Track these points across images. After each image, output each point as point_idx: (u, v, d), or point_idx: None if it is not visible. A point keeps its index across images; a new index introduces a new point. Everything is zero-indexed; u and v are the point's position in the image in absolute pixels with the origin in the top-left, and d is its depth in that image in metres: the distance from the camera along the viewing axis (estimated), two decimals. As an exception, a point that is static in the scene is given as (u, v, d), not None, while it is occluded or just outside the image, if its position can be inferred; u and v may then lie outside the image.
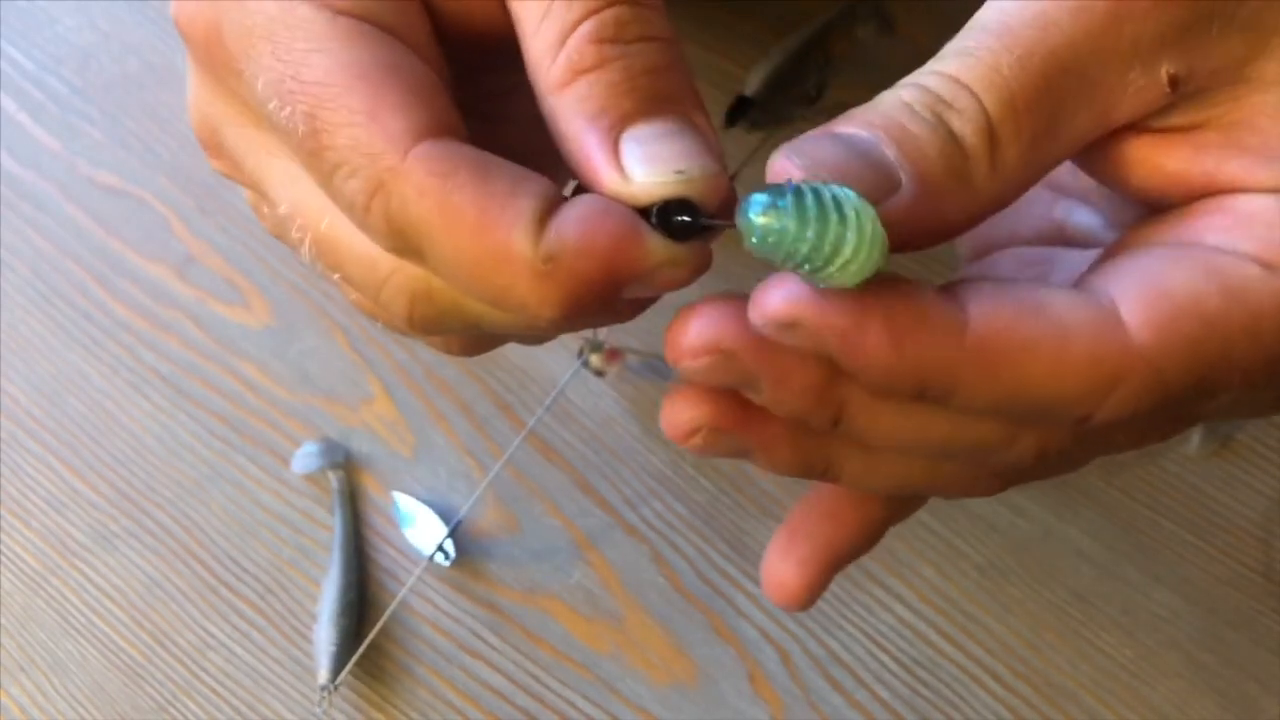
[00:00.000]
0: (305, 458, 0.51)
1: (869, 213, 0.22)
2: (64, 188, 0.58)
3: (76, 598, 0.49)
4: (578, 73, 0.25)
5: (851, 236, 0.22)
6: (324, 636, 0.47)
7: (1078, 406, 0.24)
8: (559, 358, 0.52)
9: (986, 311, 0.23)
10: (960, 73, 0.24)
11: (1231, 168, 0.25)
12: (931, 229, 0.24)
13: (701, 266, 0.25)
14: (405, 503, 0.50)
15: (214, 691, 0.47)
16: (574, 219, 0.23)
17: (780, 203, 0.22)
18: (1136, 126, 0.25)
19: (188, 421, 0.52)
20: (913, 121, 0.24)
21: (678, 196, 0.24)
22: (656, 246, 0.24)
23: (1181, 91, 0.25)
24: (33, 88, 0.60)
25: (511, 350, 0.49)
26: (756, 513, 0.49)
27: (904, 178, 0.23)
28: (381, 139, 0.24)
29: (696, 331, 0.24)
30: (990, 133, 0.24)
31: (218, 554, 0.50)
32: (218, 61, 0.26)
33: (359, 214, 0.24)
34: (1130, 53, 0.24)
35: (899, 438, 0.25)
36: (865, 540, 0.29)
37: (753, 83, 0.55)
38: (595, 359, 0.50)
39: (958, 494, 0.28)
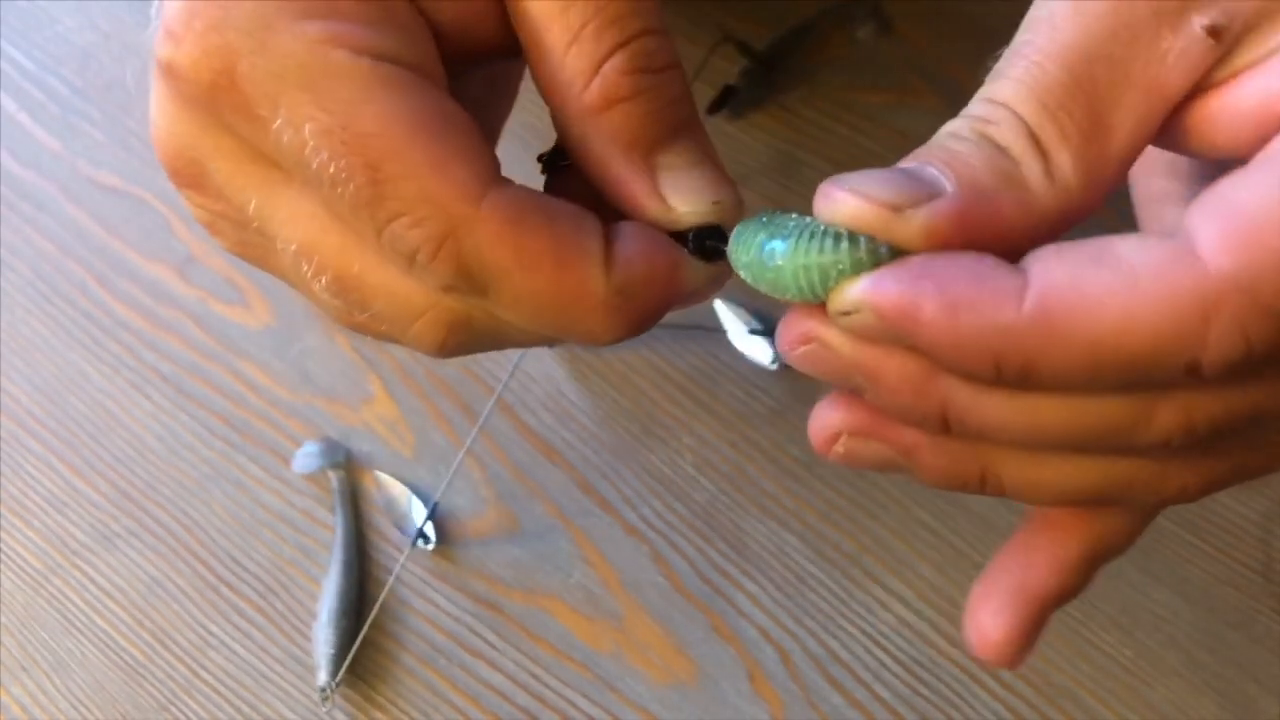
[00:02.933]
0: (306, 457, 0.51)
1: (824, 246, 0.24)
2: (64, 188, 0.58)
3: (77, 597, 0.49)
4: (612, 101, 0.26)
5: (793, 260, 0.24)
6: (323, 638, 0.47)
7: (1175, 354, 0.21)
8: (559, 357, 0.53)
9: (1043, 271, 0.22)
10: (993, 93, 0.25)
11: None
12: (997, 232, 0.23)
13: (723, 283, 0.27)
14: (388, 484, 0.50)
15: (215, 690, 0.48)
16: (639, 257, 0.26)
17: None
18: (1203, 87, 0.24)
19: (188, 421, 0.53)
20: (956, 142, 0.24)
21: (711, 224, 0.27)
22: (699, 272, 0.27)
23: (1226, 38, 0.24)
24: (33, 88, 0.60)
25: (512, 350, 0.49)
26: (756, 513, 0.49)
27: (948, 185, 0.23)
28: (452, 191, 0.25)
29: (796, 320, 0.25)
30: (1034, 137, 0.24)
31: (218, 553, 0.50)
32: (224, 104, 0.26)
33: (424, 260, 0.25)
34: (1153, 20, 0.23)
35: (1017, 431, 0.24)
36: (1068, 577, 0.28)
37: (739, 73, 0.56)
38: None
39: (1150, 498, 0.26)
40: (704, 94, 0.56)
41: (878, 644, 0.47)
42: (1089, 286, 0.21)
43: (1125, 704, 0.46)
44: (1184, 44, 0.24)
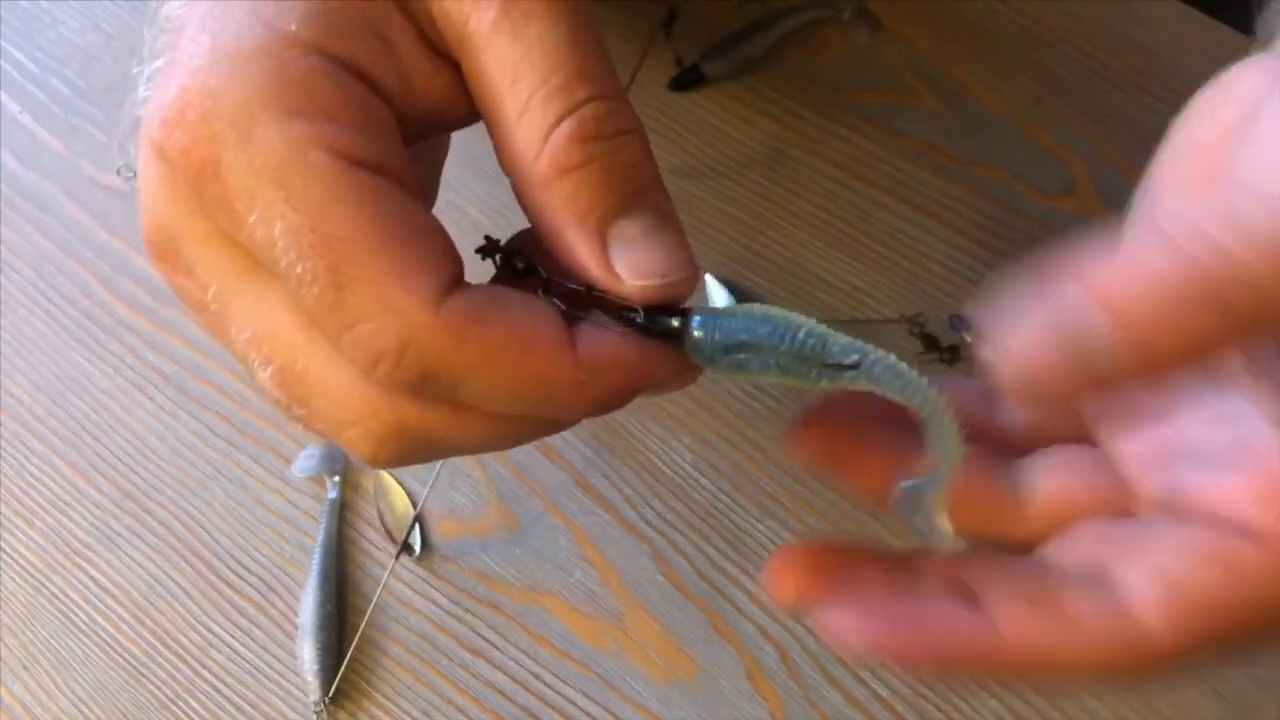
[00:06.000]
0: (306, 460, 0.51)
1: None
2: (67, 188, 0.58)
3: (79, 596, 0.50)
4: (563, 171, 0.26)
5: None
6: (306, 654, 0.47)
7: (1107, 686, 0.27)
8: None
9: (999, 609, 0.27)
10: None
11: None
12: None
13: (692, 378, 0.28)
14: (388, 487, 0.50)
15: (216, 690, 0.48)
16: (602, 337, 0.27)
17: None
18: None
19: (190, 421, 0.53)
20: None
21: (660, 299, 0.27)
22: (667, 362, 0.27)
23: None
24: (36, 89, 0.61)
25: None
26: (756, 512, 0.50)
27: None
28: (414, 299, 0.25)
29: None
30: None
31: (220, 553, 0.50)
32: (207, 193, 0.26)
33: (386, 368, 0.25)
34: None
35: None
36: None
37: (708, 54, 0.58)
38: None
39: None
40: (663, 70, 0.57)
41: (877, 643, 0.47)
42: (1050, 644, 0.26)
43: (1124, 704, 0.46)
44: None
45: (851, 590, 0.27)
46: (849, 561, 0.28)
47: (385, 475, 0.51)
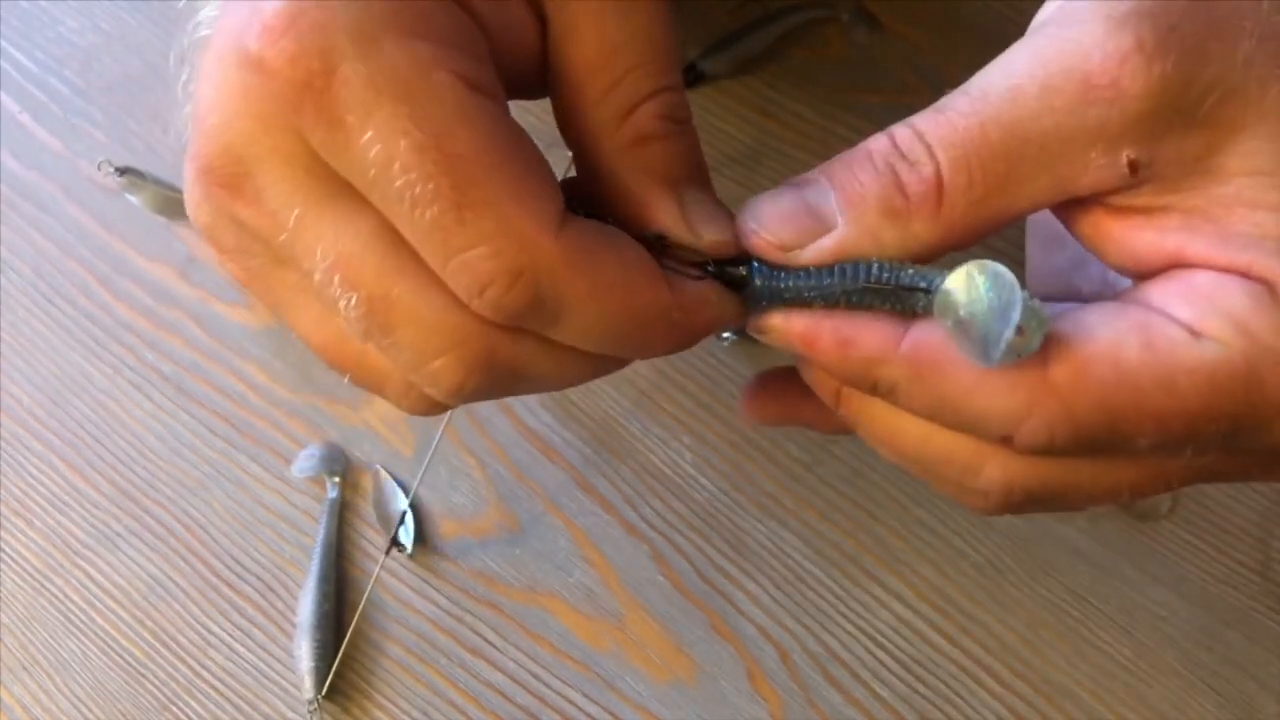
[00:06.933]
0: (306, 460, 0.51)
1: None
2: (66, 188, 0.58)
3: (79, 596, 0.50)
4: (646, 140, 0.29)
5: None
6: (302, 652, 0.47)
7: (996, 425, 0.27)
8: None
9: (923, 331, 0.28)
10: (927, 129, 0.28)
11: (1191, 249, 0.28)
12: (869, 252, 0.28)
13: (747, 315, 0.30)
14: (385, 484, 0.50)
15: (215, 690, 0.48)
16: (691, 286, 0.29)
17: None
18: (1101, 200, 0.28)
19: (190, 421, 0.53)
20: (866, 169, 0.28)
21: (732, 253, 0.29)
22: (736, 305, 0.29)
23: (1142, 176, 0.27)
24: (35, 88, 0.61)
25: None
26: (756, 512, 0.50)
27: (840, 220, 0.28)
28: (536, 224, 0.26)
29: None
30: (938, 184, 0.27)
31: (219, 553, 0.50)
32: (309, 105, 0.25)
33: (495, 291, 0.26)
34: (1094, 134, 0.27)
35: (879, 432, 0.30)
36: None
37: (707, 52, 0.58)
38: None
39: (950, 496, 0.32)
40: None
41: (877, 643, 0.47)
42: (953, 354, 0.27)
43: (1123, 702, 0.46)
44: (1106, 162, 0.27)
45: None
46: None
47: (382, 471, 0.51)
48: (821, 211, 0.28)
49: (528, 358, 0.28)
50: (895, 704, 0.46)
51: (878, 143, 0.28)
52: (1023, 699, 0.46)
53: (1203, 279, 0.27)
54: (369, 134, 0.25)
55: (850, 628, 0.47)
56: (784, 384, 0.34)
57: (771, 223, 0.28)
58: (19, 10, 0.63)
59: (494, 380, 0.28)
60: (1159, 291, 0.28)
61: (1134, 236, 0.28)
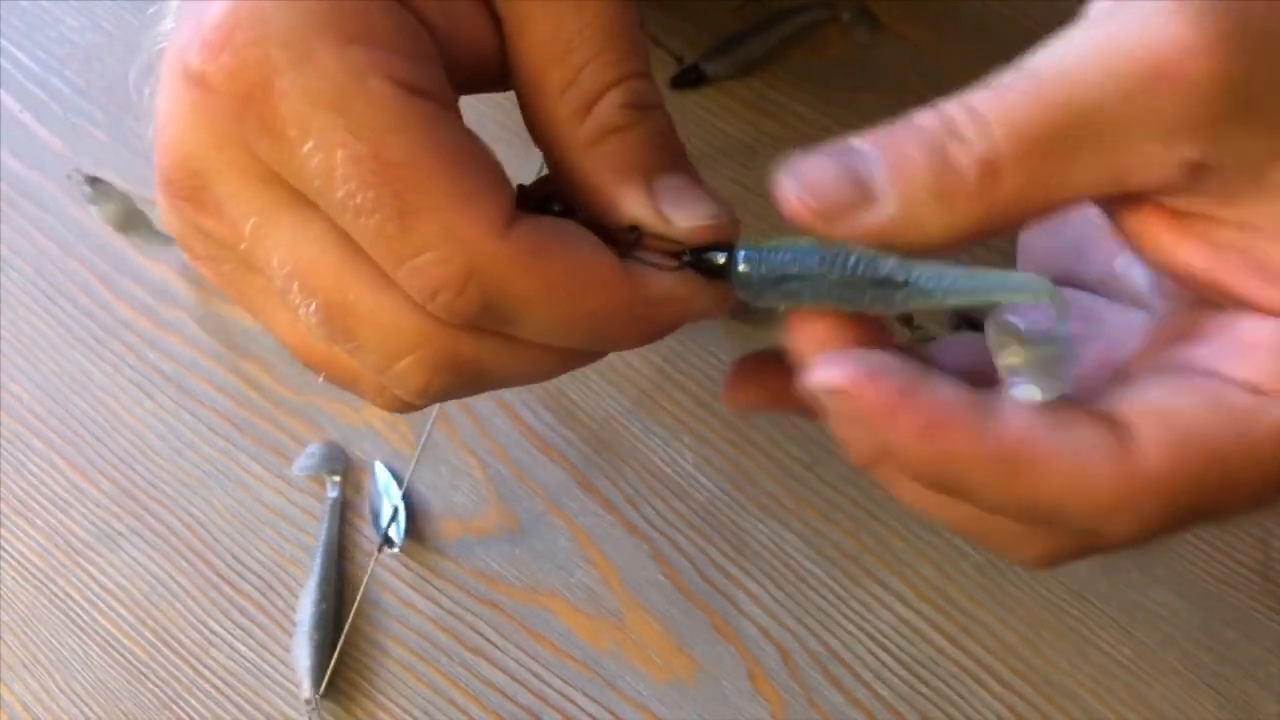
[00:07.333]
0: (307, 459, 0.51)
1: None
2: (67, 187, 0.58)
3: (80, 596, 0.50)
4: (608, 132, 0.28)
5: None
6: (301, 651, 0.47)
7: (1089, 522, 0.26)
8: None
9: (1015, 419, 0.25)
10: (982, 104, 0.26)
11: (1244, 286, 0.26)
12: (914, 241, 0.26)
13: (728, 305, 0.29)
14: (382, 479, 0.50)
15: (217, 689, 0.48)
16: (655, 279, 0.28)
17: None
18: (1154, 199, 0.26)
19: (191, 420, 0.53)
20: (916, 144, 0.26)
21: (710, 239, 0.28)
22: (713, 296, 0.28)
23: (1201, 178, 0.25)
24: (36, 88, 0.61)
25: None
26: (757, 512, 0.50)
27: (887, 193, 0.26)
28: (480, 228, 0.25)
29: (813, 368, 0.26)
30: (991, 164, 0.25)
31: (220, 552, 0.50)
32: (252, 119, 0.25)
33: (446, 295, 0.26)
34: (1156, 127, 0.25)
35: (922, 505, 0.28)
36: None
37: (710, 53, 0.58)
38: None
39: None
40: (664, 68, 0.57)
41: (878, 643, 0.47)
42: (1049, 450, 0.25)
43: (1124, 703, 0.46)
44: (1164, 158, 0.25)
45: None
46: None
47: (380, 468, 0.51)
48: (868, 182, 0.26)
49: (492, 355, 0.28)
50: (896, 704, 0.46)
51: (926, 118, 0.26)
52: (1023, 699, 0.46)
53: (1259, 331, 0.26)
54: (309, 145, 0.25)
55: (851, 627, 0.47)
56: (767, 368, 0.31)
57: (815, 186, 0.26)
58: (20, 10, 0.63)
59: (461, 379, 0.28)
60: (1216, 352, 0.27)
61: (1183, 246, 0.26)
